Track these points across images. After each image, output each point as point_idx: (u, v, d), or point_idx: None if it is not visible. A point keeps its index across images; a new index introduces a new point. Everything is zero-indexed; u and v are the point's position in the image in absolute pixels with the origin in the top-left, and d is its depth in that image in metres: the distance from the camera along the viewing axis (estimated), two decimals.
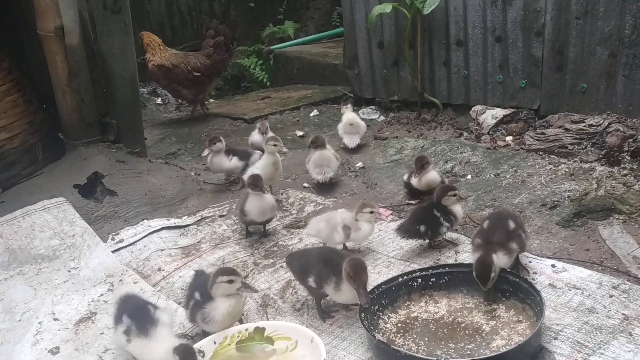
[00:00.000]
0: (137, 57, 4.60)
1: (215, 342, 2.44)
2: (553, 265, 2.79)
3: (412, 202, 3.82)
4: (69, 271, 3.35)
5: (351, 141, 4.81)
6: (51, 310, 3.02)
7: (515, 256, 2.68)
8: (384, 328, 2.51)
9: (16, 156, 4.10)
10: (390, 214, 3.70)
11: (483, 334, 2.38)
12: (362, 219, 3.09)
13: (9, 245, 3.39)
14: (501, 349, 2.24)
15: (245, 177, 3.80)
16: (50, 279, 3.27)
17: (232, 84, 9.16)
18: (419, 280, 2.70)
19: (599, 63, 4.28)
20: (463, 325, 2.47)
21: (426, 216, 3.09)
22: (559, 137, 4.14)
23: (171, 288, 3.16)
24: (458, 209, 3.15)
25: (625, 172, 3.60)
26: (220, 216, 3.97)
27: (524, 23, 4.61)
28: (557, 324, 2.38)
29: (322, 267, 2.54)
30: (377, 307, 2.58)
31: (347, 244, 3.24)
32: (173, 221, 3.83)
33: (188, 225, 3.82)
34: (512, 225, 2.70)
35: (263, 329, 2.47)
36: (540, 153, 4.14)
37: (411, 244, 3.25)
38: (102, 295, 3.16)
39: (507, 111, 4.82)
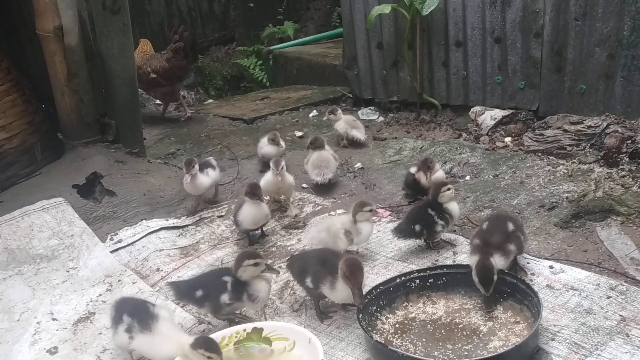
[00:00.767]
0: None
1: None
2: (551, 267, 2.80)
3: (411, 200, 3.83)
4: (68, 271, 3.36)
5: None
6: (50, 310, 3.02)
7: (513, 258, 2.68)
8: (381, 329, 2.51)
9: (15, 156, 4.09)
10: (389, 215, 3.70)
11: (480, 335, 2.39)
12: (362, 219, 3.06)
13: (7, 245, 3.39)
14: (498, 350, 2.25)
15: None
16: (49, 279, 3.28)
17: (231, 84, 9.16)
18: (417, 281, 2.70)
19: (598, 64, 4.28)
20: (461, 326, 2.47)
21: (421, 215, 3.10)
22: (557, 138, 4.14)
23: (170, 289, 3.16)
24: (454, 207, 3.15)
25: (623, 173, 3.61)
26: (219, 217, 3.97)
27: (522, 24, 4.62)
28: (555, 325, 2.38)
29: (318, 267, 2.55)
30: (375, 307, 2.58)
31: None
32: (172, 221, 3.84)
33: (187, 225, 3.83)
34: (511, 227, 2.70)
35: (261, 330, 2.47)
36: (539, 154, 4.15)
37: (409, 245, 3.26)
38: (100, 295, 3.16)
39: (506, 112, 4.83)
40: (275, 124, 6.03)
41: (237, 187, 4.41)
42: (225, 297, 2.57)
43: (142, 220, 3.84)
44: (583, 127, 4.09)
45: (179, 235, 3.71)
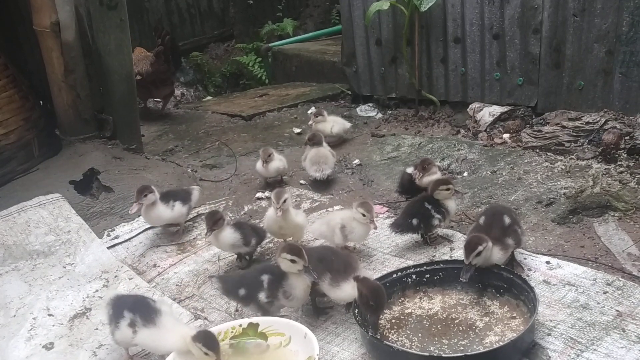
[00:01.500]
0: None
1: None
2: (548, 262, 2.79)
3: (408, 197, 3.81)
4: (64, 267, 3.35)
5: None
6: (46, 305, 3.02)
7: (510, 252, 2.67)
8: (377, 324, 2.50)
9: (12, 152, 4.09)
10: (387, 211, 3.70)
11: (477, 330, 2.38)
12: (357, 219, 3.02)
13: (4, 241, 3.39)
14: (494, 345, 2.24)
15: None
16: (46, 275, 3.27)
17: (230, 82, 9.16)
18: (414, 276, 2.70)
19: (596, 60, 4.27)
20: (457, 321, 2.46)
21: (418, 209, 3.11)
22: (555, 135, 4.13)
23: (166, 284, 3.16)
24: (451, 203, 3.14)
25: (621, 169, 3.60)
26: None
27: (521, 20, 4.60)
28: (551, 320, 2.38)
29: (317, 264, 2.54)
30: None
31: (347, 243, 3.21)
32: None
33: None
34: (507, 220, 2.69)
35: (257, 325, 2.46)
36: (537, 150, 4.14)
37: (406, 240, 3.25)
38: (97, 291, 3.16)
39: (505, 109, 4.82)
40: (274, 120, 6.03)
41: (234, 184, 4.40)
42: (262, 296, 2.51)
43: (139, 216, 3.83)
44: (581, 124, 4.08)
45: (176, 232, 3.70)
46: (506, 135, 4.59)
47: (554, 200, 3.41)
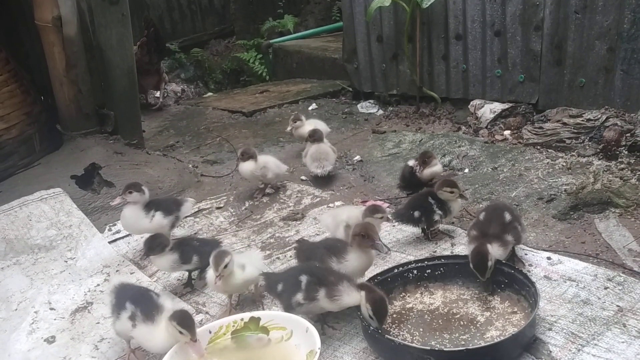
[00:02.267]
0: None
1: (210, 332, 2.43)
2: (549, 258, 2.79)
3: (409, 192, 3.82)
4: (66, 261, 3.36)
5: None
6: (47, 299, 3.03)
7: (510, 248, 2.68)
8: None
9: (13, 147, 4.10)
10: (388, 207, 3.70)
11: (478, 325, 2.38)
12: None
13: (5, 235, 3.40)
14: (495, 339, 2.24)
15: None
16: (47, 269, 3.28)
17: (231, 78, 9.15)
18: (415, 271, 2.70)
19: (598, 57, 4.27)
20: (458, 316, 2.47)
21: (421, 203, 3.12)
22: (556, 132, 4.13)
23: (167, 279, 3.17)
24: (455, 204, 3.15)
25: (622, 166, 3.60)
26: (217, 208, 3.98)
27: (523, 17, 4.60)
28: (552, 315, 2.38)
29: (325, 253, 2.56)
30: None
31: None
32: None
33: (185, 217, 3.82)
34: (508, 217, 2.70)
35: (258, 319, 2.46)
36: (538, 147, 4.14)
37: (407, 236, 3.26)
38: (98, 285, 3.17)
39: (506, 105, 4.81)
40: (275, 117, 6.03)
41: (235, 180, 4.40)
42: (299, 297, 2.41)
43: None
44: (582, 121, 4.08)
45: (177, 227, 3.70)
46: (507, 132, 4.59)
47: (554, 196, 3.42)
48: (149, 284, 3.08)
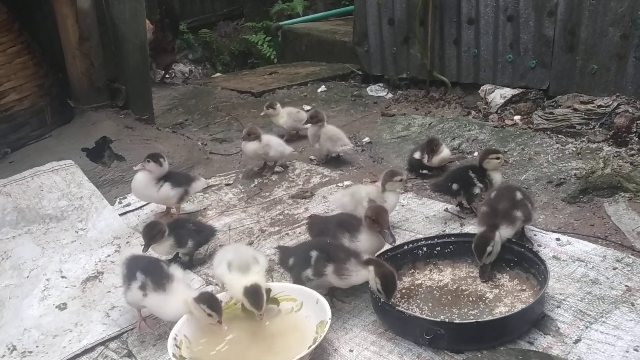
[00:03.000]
0: None
1: (221, 302, 2.46)
2: (558, 239, 2.81)
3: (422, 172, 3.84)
4: (77, 232, 3.39)
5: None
6: (59, 268, 3.06)
7: (520, 226, 2.69)
8: None
9: (25, 118, 4.12)
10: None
11: (486, 301, 2.40)
12: (391, 188, 3.01)
13: (17, 205, 3.42)
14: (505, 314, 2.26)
15: None
16: (58, 239, 3.31)
17: (239, 60, 9.15)
18: (424, 249, 2.71)
19: (611, 44, 4.25)
20: (467, 292, 2.48)
21: (460, 175, 3.14)
22: (567, 117, 4.13)
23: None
24: (497, 176, 3.15)
25: (632, 152, 3.61)
26: (227, 185, 4.00)
27: (536, 2, 4.58)
28: (560, 294, 2.40)
29: (337, 228, 2.58)
30: None
31: None
32: None
33: (195, 193, 3.84)
34: (518, 196, 2.71)
35: (269, 290, 2.48)
36: (548, 132, 4.14)
37: (416, 215, 3.28)
38: (109, 256, 3.19)
39: (516, 91, 4.81)
40: (284, 97, 6.03)
41: (244, 158, 4.41)
42: (309, 272, 2.44)
43: None
44: (593, 107, 4.08)
45: (186, 202, 3.72)
46: (517, 117, 4.59)
47: (564, 180, 3.43)
48: (159, 256, 3.09)
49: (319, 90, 6.19)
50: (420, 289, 2.55)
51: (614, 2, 4.15)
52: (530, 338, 2.18)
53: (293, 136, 4.77)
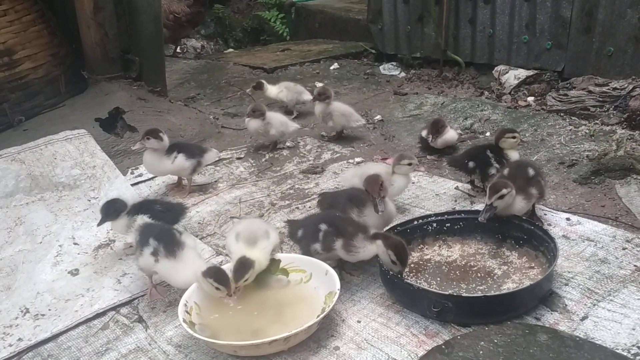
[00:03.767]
0: None
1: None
2: (568, 219, 2.81)
3: (430, 156, 3.83)
4: (89, 200, 3.42)
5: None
6: (71, 235, 3.09)
7: (533, 202, 2.69)
8: None
9: (40, 86, 4.13)
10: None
11: (495, 277, 2.41)
12: (399, 172, 3.02)
13: (31, 172, 3.45)
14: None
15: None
16: (71, 207, 3.34)
17: (251, 37, 9.10)
18: (434, 224, 2.72)
19: (629, 26, 4.21)
20: (475, 268, 2.49)
21: (477, 154, 3.14)
22: (581, 99, 4.11)
23: (188, 222, 3.21)
24: (514, 155, 3.15)
25: None
26: (238, 158, 4.02)
27: None
28: (569, 272, 2.41)
29: (347, 202, 2.60)
30: None
31: None
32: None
33: (207, 164, 3.85)
34: (531, 172, 2.71)
35: (279, 261, 2.51)
36: (561, 114, 4.12)
37: (427, 193, 3.28)
38: None
39: (530, 72, 4.78)
40: (296, 74, 6.02)
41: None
42: (317, 246, 2.46)
43: None
44: (608, 89, 4.05)
45: (198, 174, 3.75)
46: (531, 99, 4.57)
47: (576, 161, 3.42)
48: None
49: (331, 67, 6.18)
50: (429, 264, 2.57)
51: None
52: (537, 314, 2.19)
53: (291, 112, 4.81)
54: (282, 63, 6.36)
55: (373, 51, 6.30)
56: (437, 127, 3.71)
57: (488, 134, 4.08)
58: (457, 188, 3.30)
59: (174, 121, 4.27)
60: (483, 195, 3.14)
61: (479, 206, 3.03)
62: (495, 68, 5.00)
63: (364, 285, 2.50)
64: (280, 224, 3.06)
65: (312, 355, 2.11)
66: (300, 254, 2.55)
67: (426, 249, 2.68)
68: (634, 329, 2.06)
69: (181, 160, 3.37)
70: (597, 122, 3.91)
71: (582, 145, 3.59)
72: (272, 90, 4.79)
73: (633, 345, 1.98)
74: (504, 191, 2.47)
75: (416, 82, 5.50)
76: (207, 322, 2.25)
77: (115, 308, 2.52)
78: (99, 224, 2.81)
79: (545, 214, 2.88)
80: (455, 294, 2.24)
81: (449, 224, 2.73)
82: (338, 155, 3.99)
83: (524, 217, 2.61)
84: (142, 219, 2.69)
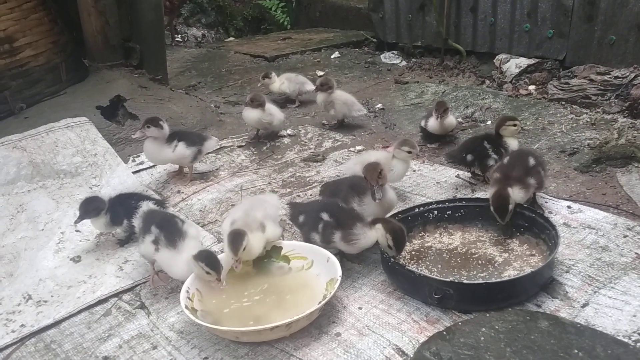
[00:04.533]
0: None
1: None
2: (569, 207, 2.82)
3: (431, 145, 3.83)
4: (91, 188, 3.42)
5: None
6: (73, 222, 3.08)
7: (532, 192, 2.70)
8: None
9: (40, 74, 4.12)
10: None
11: (496, 265, 2.42)
12: (399, 156, 3.01)
13: (32, 159, 3.45)
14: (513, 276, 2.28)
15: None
16: (72, 194, 3.34)
17: (252, 26, 9.07)
18: (435, 212, 2.73)
19: (631, 15, 4.19)
20: (476, 256, 2.50)
21: (475, 146, 3.13)
22: (583, 88, 4.10)
23: (190, 209, 3.22)
24: (513, 143, 3.15)
25: None
26: (239, 147, 4.02)
27: None
28: (570, 259, 2.42)
29: (348, 190, 2.60)
30: None
31: None
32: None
33: (208, 153, 3.85)
34: (532, 162, 2.71)
35: (280, 248, 2.51)
36: (563, 103, 4.12)
37: (427, 181, 3.28)
38: None
39: (532, 61, 4.78)
40: (297, 63, 6.01)
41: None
42: (316, 237, 2.46)
43: None
44: (610, 78, 4.04)
45: (199, 162, 3.74)
46: (532, 87, 4.56)
47: (577, 150, 3.42)
48: (172, 213, 3.12)
49: (332, 56, 6.16)
50: (430, 252, 2.57)
51: None
52: (538, 301, 2.20)
53: (293, 101, 4.80)
54: (283, 52, 6.35)
55: (374, 40, 6.28)
56: (443, 108, 3.67)
57: (489, 122, 4.08)
58: (457, 176, 3.30)
59: (175, 109, 4.26)
60: (483, 184, 3.15)
61: (480, 194, 3.05)
62: (497, 57, 4.99)
63: (365, 272, 2.51)
64: (281, 212, 3.06)
65: (314, 342, 2.12)
66: (301, 240, 2.56)
67: (427, 236, 2.68)
68: (634, 316, 2.07)
69: (182, 149, 3.38)
70: (599, 110, 3.91)
71: (583, 134, 3.59)
72: (275, 84, 4.76)
73: (634, 332, 1.99)
74: (511, 207, 2.50)
75: (417, 70, 5.48)
76: (209, 308, 2.25)
77: (118, 294, 2.52)
78: (76, 222, 2.78)
79: (546, 202, 2.88)
80: (456, 280, 2.24)
81: (450, 212, 2.73)
82: (339, 143, 3.99)
83: (525, 205, 2.62)
84: (147, 205, 2.68)
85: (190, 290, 2.27)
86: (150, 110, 4.09)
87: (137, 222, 2.55)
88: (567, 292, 2.23)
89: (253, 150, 3.96)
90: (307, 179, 3.49)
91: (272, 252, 2.53)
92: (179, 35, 7.86)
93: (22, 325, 2.35)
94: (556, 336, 1.87)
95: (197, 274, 2.28)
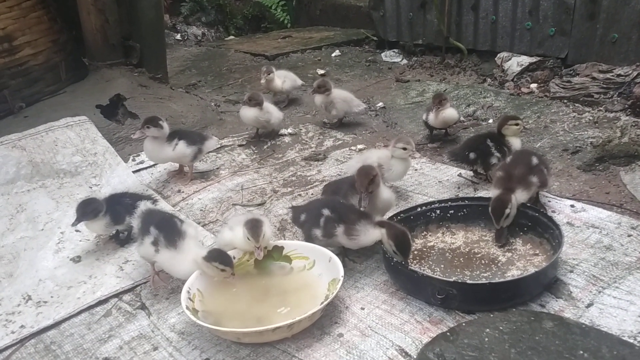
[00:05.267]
0: None
1: (234, 258, 2.47)
2: (572, 206, 2.80)
3: (432, 144, 3.81)
4: (90, 187, 3.40)
5: None
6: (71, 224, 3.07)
7: (535, 191, 2.68)
8: None
9: (40, 73, 4.10)
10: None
11: (499, 264, 2.40)
12: (395, 155, 2.99)
13: (32, 159, 3.43)
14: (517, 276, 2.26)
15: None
16: (72, 194, 3.32)
17: (252, 24, 9.04)
18: (438, 211, 2.71)
19: (633, 12, 4.17)
20: (479, 255, 2.48)
21: (477, 145, 3.11)
22: (585, 86, 4.08)
23: (190, 209, 3.20)
24: (516, 142, 3.13)
25: None
26: (240, 145, 4.00)
27: None
28: (574, 259, 2.40)
29: (349, 189, 2.58)
30: None
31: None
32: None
33: (208, 152, 3.83)
34: (535, 161, 2.69)
35: (282, 248, 2.50)
36: (565, 101, 4.10)
37: (429, 180, 3.26)
38: None
39: (534, 59, 4.75)
40: (297, 61, 5.99)
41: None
42: (318, 232, 2.46)
43: None
44: (612, 76, 4.02)
45: (199, 161, 3.72)
46: (534, 85, 4.54)
47: (580, 148, 3.40)
48: (172, 212, 3.10)
49: (333, 54, 6.14)
50: (433, 251, 2.55)
51: None
52: (542, 301, 2.18)
53: (287, 99, 4.80)
54: (284, 50, 6.33)
55: (375, 38, 6.26)
56: (440, 99, 3.64)
57: (491, 120, 4.06)
58: (460, 175, 3.28)
59: (175, 108, 4.25)
60: (486, 182, 3.13)
61: (483, 193, 3.03)
62: (498, 55, 4.96)
63: (367, 272, 2.49)
64: (282, 211, 3.05)
65: (316, 342, 2.10)
66: (303, 240, 2.54)
67: (430, 235, 2.67)
68: (639, 316, 2.05)
69: (182, 148, 3.37)
70: (601, 109, 3.89)
71: (585, 132, 3.58)
72: (277, 83, 4.71)
73: (639, 332, 1.97)
74: (507, 211, 2.47)
75: (418, 69, 5.46)
76: (210, 309, 2.24)
77: (118, 295, 2.51)
78: (73, 224, 2.75)
79: (549, 201, 2.86)
80: (459, 280, 2.22)
81: (452, 211, 2.72)
82: (340, 142, 3.97)
83: (528, 204, 2.60)
84: (145, 205, 2.66)
85: (192, 290, 2.26)
86: (150, 109, 4.07)
87: (135, 222, 2.53)
88: (571, 292, 2.21)
89: (254, 149, 3.94)
90: (308, 178, 3.47)
91: (273, 251, 2.51)
92: (179, 34, 7.83)
93: (22, 326, 2.33)
94: (561, 337, 1.85)
95: (211, 274, 2.27)
